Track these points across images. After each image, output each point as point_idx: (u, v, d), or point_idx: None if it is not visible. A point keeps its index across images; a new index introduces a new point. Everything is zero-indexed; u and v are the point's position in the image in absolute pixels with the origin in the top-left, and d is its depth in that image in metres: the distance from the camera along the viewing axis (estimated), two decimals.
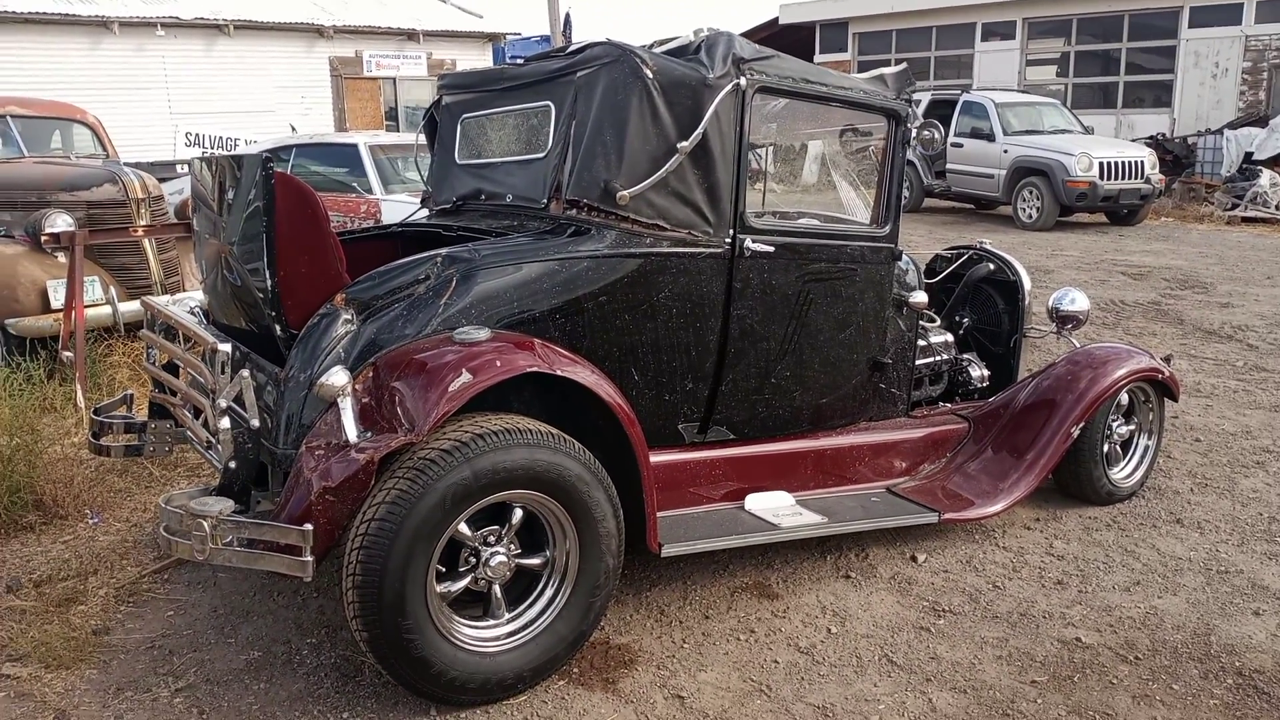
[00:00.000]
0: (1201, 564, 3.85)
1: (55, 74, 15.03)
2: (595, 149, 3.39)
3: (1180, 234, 13.91)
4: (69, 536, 4.08)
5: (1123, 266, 10.86)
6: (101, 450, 3.89)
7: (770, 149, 4.23)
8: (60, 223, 6.04)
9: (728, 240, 3.54)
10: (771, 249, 3.63)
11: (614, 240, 3.35)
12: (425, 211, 4.41)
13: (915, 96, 16.36)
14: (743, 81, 3.48)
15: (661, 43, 3.69)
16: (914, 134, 4.06)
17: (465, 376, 2.82)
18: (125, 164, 7.06)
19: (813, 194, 4.44)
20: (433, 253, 3.23)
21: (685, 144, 3.36)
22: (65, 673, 3.08)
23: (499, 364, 2.88)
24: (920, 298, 4.35)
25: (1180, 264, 11.03)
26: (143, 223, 6.39)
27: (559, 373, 2.98)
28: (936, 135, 4.05)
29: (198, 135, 13.85)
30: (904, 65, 4.23)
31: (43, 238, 5.97)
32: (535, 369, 2.93)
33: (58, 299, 5.91)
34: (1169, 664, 3.17)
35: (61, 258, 6.00)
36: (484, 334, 2.97)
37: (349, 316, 3.08)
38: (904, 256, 4.29)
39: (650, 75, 3.34)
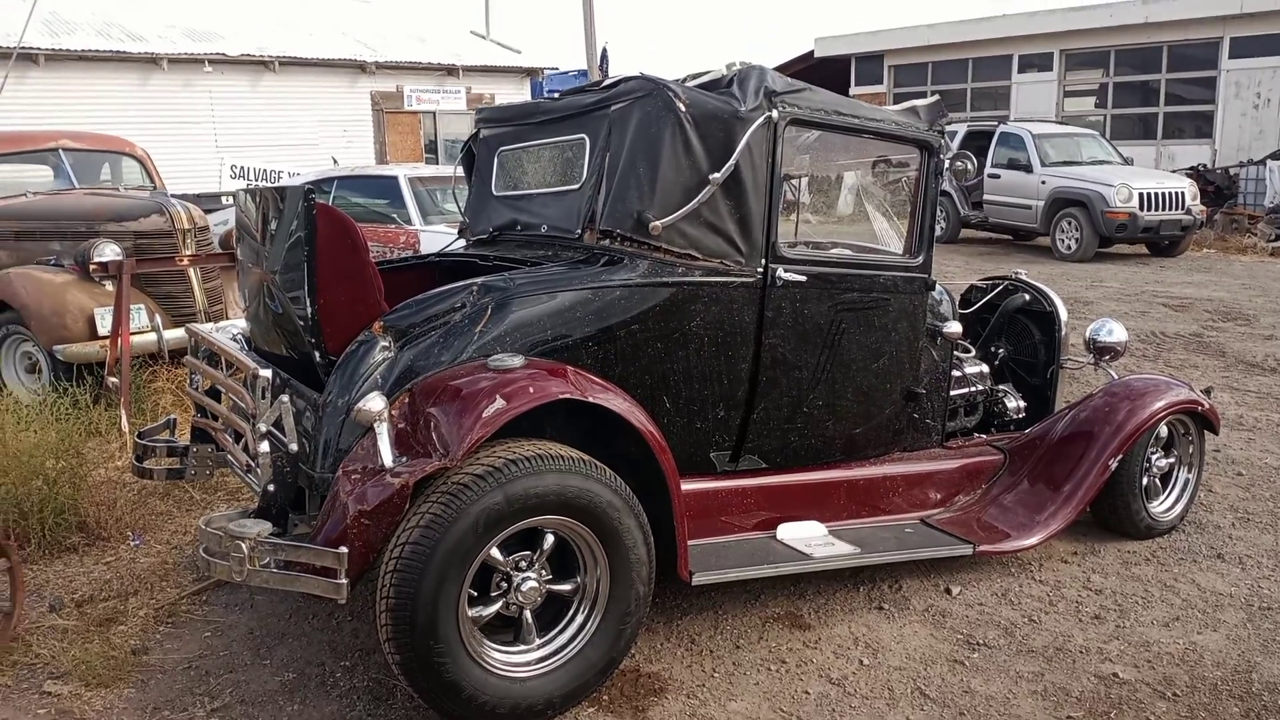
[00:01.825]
0: (1243, 600, 3.79)
1: (106, 109, 15.43)
2: (629, 180, 3.44)
3: (1222, 265, 13.73)
4: (111, 558, 4.15)
5: (1163, 298, 10.74)
6: (144, 473, 3.98)
7: (803, 180, 4.26)
8: (108, 252, 6.20)
9: (760, 270, 3.56)
10: (804, 278, 3.64)
11: (647, 270, 3.38)
12: (462, 242, 4.48)
13: (951, 128, 16.41)
14: (775, 114, 3.52)
15: (694, 76, 3.75)
16: (947, 165, 4.07)
17: (499, 403, 2.86)
18: (172, 195, 7.22)
19: (846, 225, 4.46)
20: (468, 281, 3.29)
21: (718, 175, 3.40)
22: (104, 691, 3.13)
23: (532, 391, 2.92)
24: (954, 328, 4.34)
25: (1222, 295, 10.88)
26: (188, 252, 6.53)
27: (591, 400, 3.01)
28: (969, 166, 4.06)
29: (243, 168, 14.14)
30: (936, 97, 4.25)
31: (91, 266, 6.13)
32: (568, 396, 2.97)
33: (104, 326, 6.05)
34: (1208, 701, 3.11)
35: (109, 286, 6.14)
36: (518, 361, 3.01)
37: (386, 343, 3.14)
38: (938, 287, 4.29)
39: (683, 109, 3.39)
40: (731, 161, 3.42)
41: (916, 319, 4.06)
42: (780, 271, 3.59)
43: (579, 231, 3.64)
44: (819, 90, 3.77)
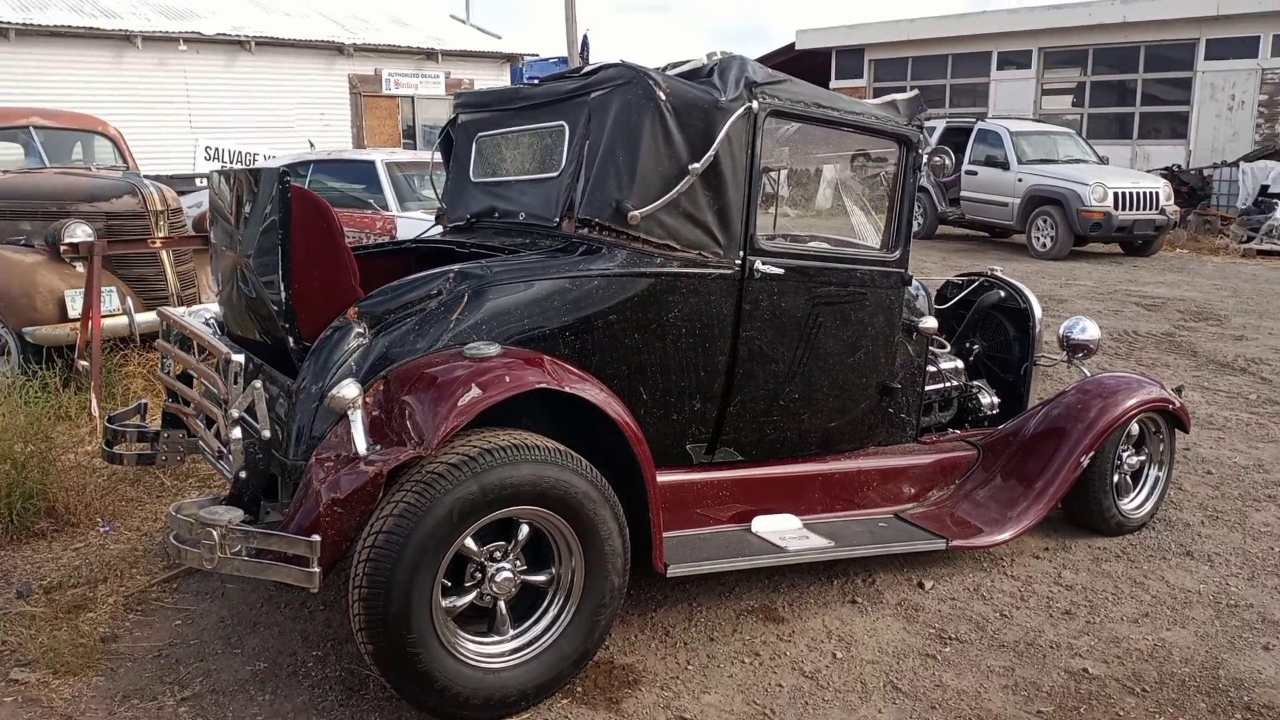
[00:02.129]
0: (1211, 597, 3.83)
1: (78, 87, 15.21)
2: (608, 169, 3.42)
3: (1195, 266, 13.88)
4: (80, 544, 4.10)
5: (1136, 297, 10.84)
6: (115, 458, 3.93)
7: (782, 173, 4.25)
8: (80, 233, 6.11)
9: (738, 262, 3.55)
10: (781, 271, 3.64)
11: (625, 260, 3.37)
12: (439, 228, 4.45)
13: (930, 124, 16.44)
14: (755, 105, 3.51)
15: (675, 65, 3.72)
16: (925, 160, 4.08)
17: (474, 392, 2.84)
18: (145, 177, 7.13)
19: (824, 218, 4.46)
20: (445, 269, 3.26)
21: (697, 166, 3.39)
22: (73, 679, 3.09)
23: (508, 380, 2.90)
24: (930, 323, 4.35)
25: (1194, 296, 11.00)
26: (161, 235, 6.46)
27: (567, 389, 2.99)
28: (948, 161, 4.07)
29: (217, 150, 13.98)
30: (916, 91, 4.25)
31: (62, 247, 6.04)
32: (544, 386, 2.95)
33: (75, 308, 5.97)
34: (1176, 697, 3.15)
35: (80, 268, 6.06)
36: (494, 350, 2.99)
37: (361, 330, 3.11)
38: (914, 282, 4.30)
39: (663, 97, 3.37)
40: (711, 152, 3.41)
41: (893, 313, 4.07)
42: (758, 264, 3.59)
43: (557, 220, 3.62)
44: (799, 82, 3.76)
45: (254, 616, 3.54)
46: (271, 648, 3.32)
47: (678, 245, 3.45)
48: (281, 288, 3.09)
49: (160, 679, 3.12)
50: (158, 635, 3.40)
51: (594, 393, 3.06)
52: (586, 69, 3.77)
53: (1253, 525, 4.54)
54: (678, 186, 3.39)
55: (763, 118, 3.56)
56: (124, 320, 6.07)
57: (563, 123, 3.73)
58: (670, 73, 3.60)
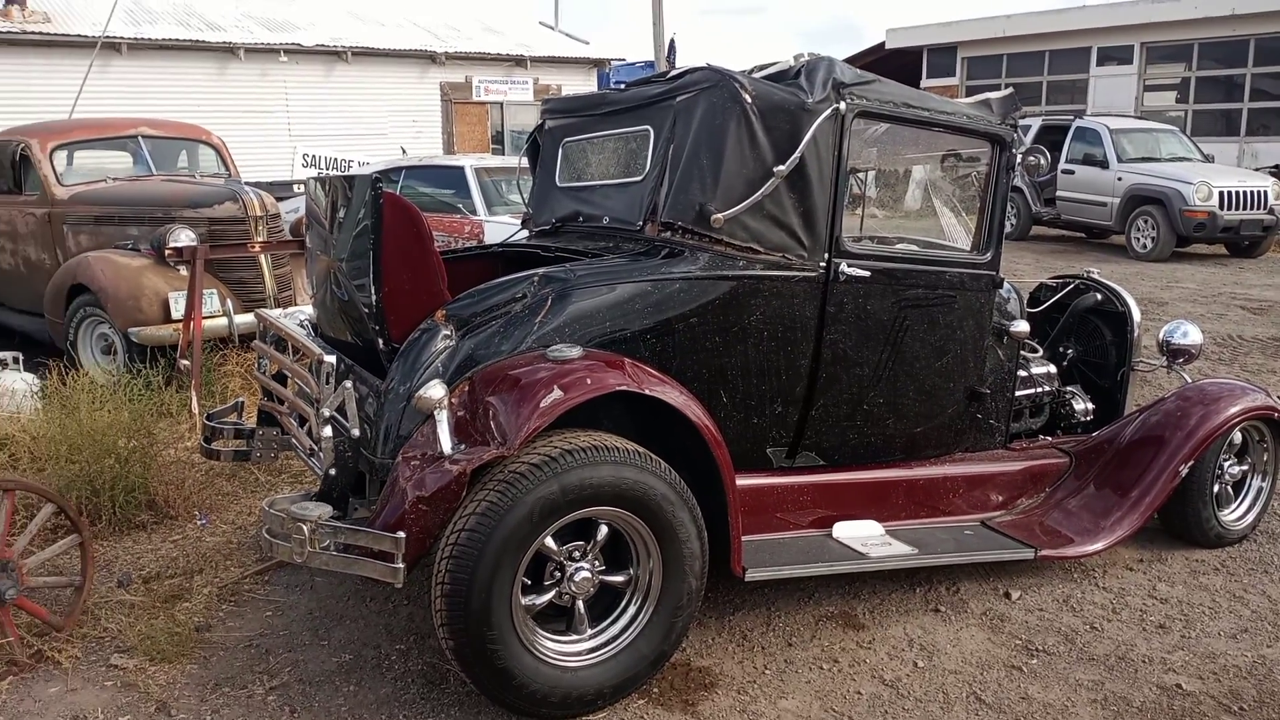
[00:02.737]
0: None
1: (184, 97, 15.80)
2: (691, 172, 3.42)
3: None
4: (178, 536, 4.27)
5: (1242, 300, 10.40)
6: (212, 454, 4.08)
7: (870, 173, 4.20)
8: (183, 238, 6.36)
9: (822, 264, 3.52)
10: (867, 274, 3.60)
11: (707, 262, 3.37)
12: (525, 232, 4.51)
13: (1025, 122, 16.04)
14: (842, 106, 3.48)
15: (762, 68, 3.71)
16: (1019, 160, 3.99)
17: (556, 393, 2.87)
18: (245, 183, 7.38)
19: (913, 220, 4.39)
20: (530, 272, 3.30)
21: (782, 168, 3.37)
22: (168, 666, 3.22)
23: (589, 382, 2.93)
24: (1021, 327, 4.25)
25: None
26: (260, 239, 6.68)
27: (648, 392, 3.01)
28: (1043, 161, 3.98)
29: (314, 157, 14.40)
30: (1010, 90, 4.16)
31: (166, 251, 6.30)
32: (624, 388, 2.97)
33: (178, 310, 6.21)
34: (1277, 716, 3.01)
35: (183, 271, 6.30)
36: (576, 352, 3.02)
37: (448, 332, 3.17)
38: (1005, 284, 4.21)
39: (749, 100, 3.36)
40: (797, 154, 3.38)
41: (983, 317, 3.99)
42: (843, 266, 3.55)
43: (640, 223, 3.63)
44: (888, 82, 3.72)
45: (341, 610, 3.63)
46: (357, 640, 3.41)
47: (761, 248, 3.44)
48: (372, 290, 3.18)
49: (250, 668, 3.23)
50: (249, 626, 3.52)
51: (674, 395, 3.07)
52: (672, 73, 3.78)
53: None
54: (762, 189, 3.38)
55: (850, 119, 3.52)
56: (224, 321, 6.28)
57: (648, 127, 3.74)
58: (756, 75, 3.59)
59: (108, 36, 13.01)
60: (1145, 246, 13.77)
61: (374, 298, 3.18)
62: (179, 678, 3.17)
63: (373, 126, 18.25)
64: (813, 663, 3.29)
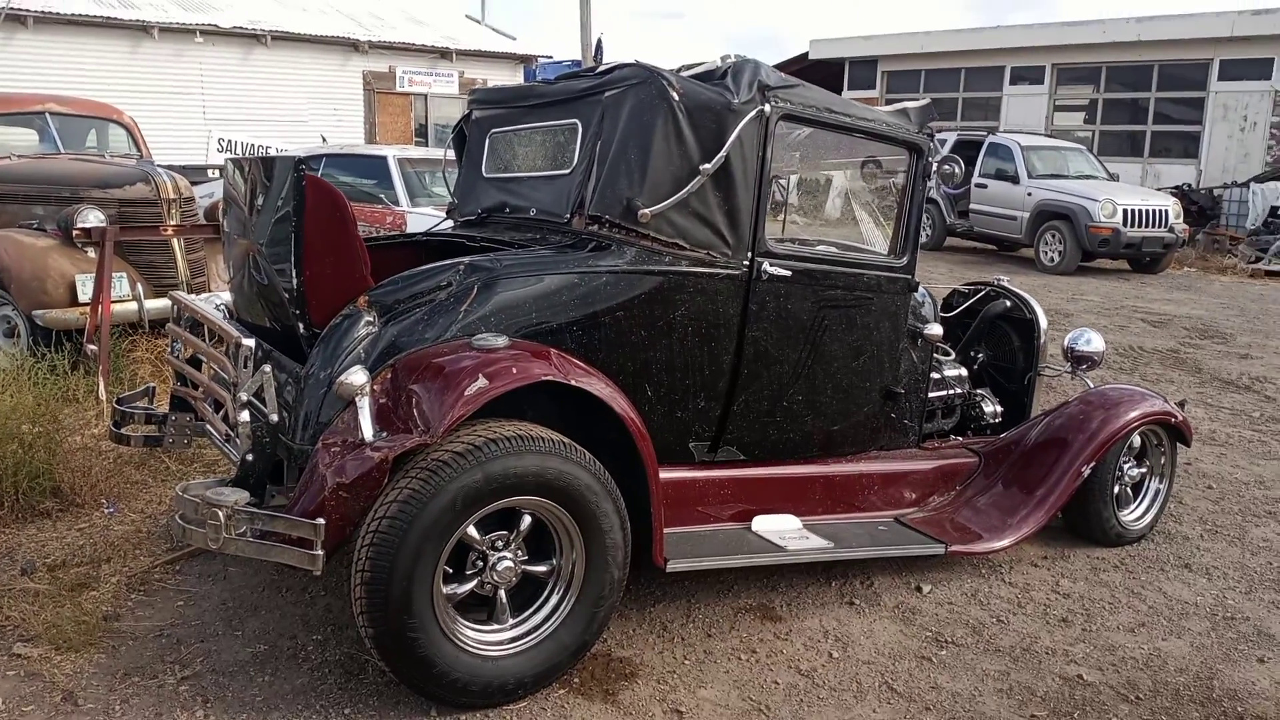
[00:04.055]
0: (1208, 609, 3.84)
1: (94, 75, 15.30)
2: (619, 167, 3.45)
3: (1202, 284, 13.88)
4: (84, 524, 4.13)
5: (1143, 313, 10.85)
6: (122, 439, 3.96)
7: (792, 177, 4.28)
8: (92, 218, 6.16)
9: (745, 263, 3.58)
10: (788, 273, 3.67)
11: (634, 257, 3.39)
12: (450, 222, 4.48)
13: (941, 136, 16.44)
14: (767, 108, 3.54)
15: (689, 67, 3.75)
16: (935, 168, 4.10)
17: (481, 382, 2.86)
18: (158, 165, 7.18)
19: (833, 224, 4.49)
20: (456, 260, 3.29)
21: (708, 166, 3.42)
22: (74, 655, 3.12)
23: (515, 371, 2.93)
24: (935, 330, 4.38)
25: (1201, 314, 11.00)
26: (173, 223, 6.50)
27: (573, 383, 3.02)
28: (957, 170, 4.09)
29: (230, 141, 14.05)
30: (927, 99, 4.29)
31: (74, 232, 6.10)
32: (550, 378, 2.98)
33: (85, 293, 6.01)
34: (1170, 706, 3.16)
35: (91, 253, 6.10)
36: (502, 341, 3.02)
37: (371, 318, 3.14)
38: (920, 288, 4.32)
39: (676, 97, 3.40)
40: (722, 153, 3.43)
41: (898, 319, 4.09)
42: (766, 265, 3.61)
43: (568, 216, 3.64)
44: (812, 87, 3.79)
45: (255, 600, 3.56)
46: (272, 630, 3.35)
47: (686, 244, 3.47)
48: (294, 274, 3.13)
49: (161, 658, 3.15)
50: (159, 615, 3.43)
51: (599, 387, 3.09)
52: (601, 68, 3.80)
53: (1252, 540, 4.55)
54: (688, 186, 3.42)
55: (775, 121, 3.58)
56: (133, 306, 6.11)
57: (576, 121, 3.75)
58: (684, 74, 3.63)
59: (13, 9, 12.51)
60: (1053, 260, 14.27)
61: (295, 282, 3.13)
62: (86, 667, 3.07)
63: (292, 113, 17.89)
64: (731, 653, 3.34)
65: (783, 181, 4.26)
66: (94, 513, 4.24)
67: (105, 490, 4.39)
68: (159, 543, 3.97)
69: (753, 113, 3.50)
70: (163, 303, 5.73)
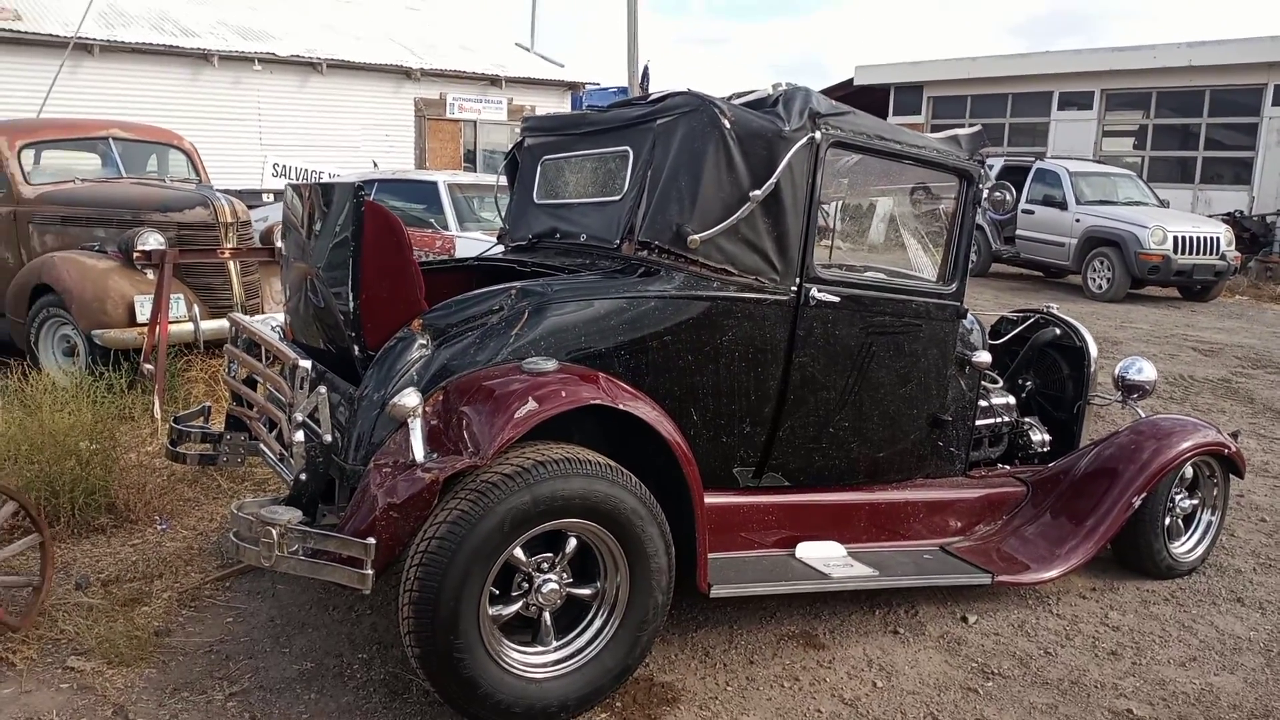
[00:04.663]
0: (1262, 645, 3.76)
1: (156, 102, 15.71)
2: (670, 193, 3.48)
3: (1254, 313, 13.62)
4: (137, 540, 4.22)
5: (1193, 342, 10.67)
6: (178, 457, 4.05)
7: (841, 203, 4.29)
8: (152, 241, 6.32)
9: (794, 289, 3.59)
10: (837, 299, 3.67)
11: (682, 282, 3.42)
12: (501, 248, 4.54)
13: (988, 162, 16.33)
14: (818, 135, 3.56)
15: (740, 95, 3.79)
16: (985, 195, 4.09)
17: (531, 405, 2.90)
18: (216, 190, 7.35)
19: (881, 250, 4.48)
20: (507, 285, 3.34)
21: (758, 193, 3.44)
22: (126, 670, 3.19)
23: (564, 395, 2.96)
24: (984, 357, 4.35)
25: (1253, 343, 10.79)
26: (230, 246, 6.65)
27: (621, 407, 3.04)
28: (1008, 197, 4.08)
29: (285, 167, 14.34)
30: (978, 126, 4.28)
31: (134, 254, 6.26)
32: (598, 402, 3.01)
33: (143, 313, 6.16)
34: None
35: (150, 275, 6.25)
36: (551, 365, 3.05)
37: (424, 341, 3.19)
38: (969, 315, 4.31)
39: (728, 125, 3.43)
40: (773, 180, 3.46)
41: (947, 346, 4.08)
42: (814, 291, 3.62)
43: (618, 242, 3.68)
44: (862, 114, 3.81)
45: (303, 617, 3.62)
46: (319, 648, 3.39)
47: (735, 270, 3.50)
48: (350, 297, 3.19)
49: (210, 674, 3.20)
50: (209, 631, 3.49)
51: (646, 411, 3.11)
52: (653, 96, 3.85)
53: None
54: (738, 213, 3.44)
55: (825, 148, 3.60)
56: (189, 327, 6.23)
57: (627, 148, 3.80)
58: (735, 102, 3.67)
59: (80, 38, 12.90)
60: (1101, 287, 14.08)
61: (352, 305, 3.19)
62: (137, 681, 3.14)
63: (345, 139, 18.22)
64: (774, 681, 3.33)
65: (831, 207, 4.27)
66: (147, 529, 4.33)
67: (159, 507, 4.49)
68: (210, 559, 4.05)
69: (803, 140, 3.52)
70: (218, 324, 5.85)
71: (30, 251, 7.06)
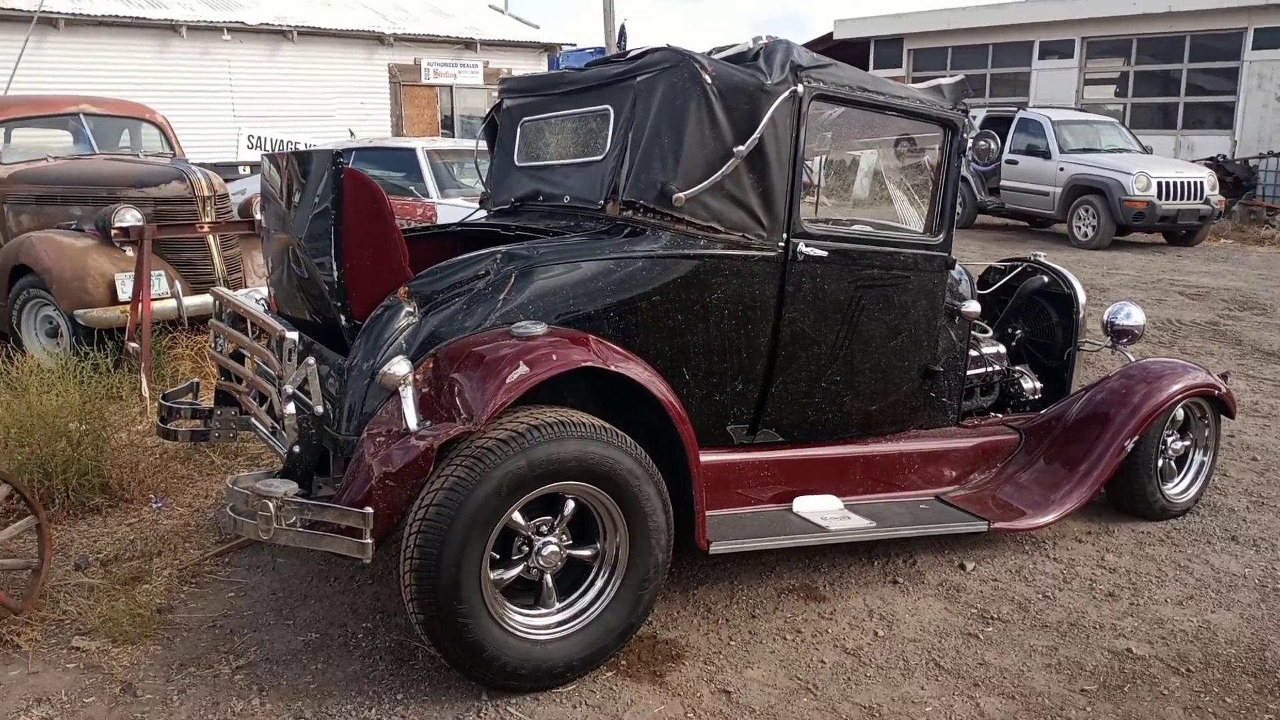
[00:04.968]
0: (1257, 581, 3.81)
1: (125, 75, 15.44)
2: (653, 151, 3.45)
3: (1239, 256, 13.67)
4: (134, 519, 4.21)
5: (1180, 286, 10.70)
6: (169, 434, 4.02)
7: (826, 157, 4.26)
8: (129, 218, 6.23)
9: (781, 244, 3.57)
10: (825, 254, 3.65)
11: (669, 241, 3.40)
12: (483, 212, 4.50)
13: (971, 112, 16.20)
14: (800, 88, 3.52)
15: (720, 50, 3.74)
16: (970, 144, 4.07)
17: (522, 369, 2.88)
18: (191, 163, 7.24)
19: (868, 203, 4.46)
20: (493, 250, 3.31)
21: (742, 148, 3.41)
22: (131, 647, 3.18)
23: (554, 358, 2.95)
24: (973, 307, 4.34)
25: (1239, 285, 10.84)
26: (208, 219, 6.57)
27: (613, 368, 3.03)
28: (993, 146, 4.07)
29: (259, 138, 14.17)
30: (961, 76, 4.25)
31: (112, 232, 6.16)
32: (590, 364, 2.99)
33: (125, 291, 6.08)
34: (1222, 677, 3.14)
35: (130, 251, 6.17)
36: (541, 329, 3.03)
37: (411, 309, 3.17)
38: (957, 266, 4.29)
39: (709, 80, 3.39)
40: (756, 134, 3.42)
41: (936, 297, 4.07)
42: (801, 246, 3.60)
43: (602, 202, 3.65)
44: (845, 66, 3.77)
45: (305, 589, 3.61)
46: (323, 619, 3.40)
47: (721, 227, 3.47)
48: (334, 267, 3.15)
49: (215, 648, 3.20)
50: (211, 607, 3.49)
51: (638, 371, 3.10)
52: (632, 53, 3.79)
53: None
54: (722, 169, 3.41)
55: (808, 101, 3.57)
56: (172, 304, 6.15)
57: (608, 106, 3.76)
58: (716, 56, 3.62)
59: (44, 11, 12.65)
60: (1086, 235, 14.09)
61: (336, 274, 3.15)
62: (143, 659, 3.13)
63: (320, 108, 18.00)
64: (776, 633, 3.35)
65: (817, 162, 4.24)
66: (143, 508, 4.31)
67: (153, 485, 4.47)
68: (208, 535, 4.03)
69: (786, 93, 3.49)
70: (201, 299, 5.78)
71: (6, 232, 6.97)
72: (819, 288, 3.69)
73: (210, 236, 6.61)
